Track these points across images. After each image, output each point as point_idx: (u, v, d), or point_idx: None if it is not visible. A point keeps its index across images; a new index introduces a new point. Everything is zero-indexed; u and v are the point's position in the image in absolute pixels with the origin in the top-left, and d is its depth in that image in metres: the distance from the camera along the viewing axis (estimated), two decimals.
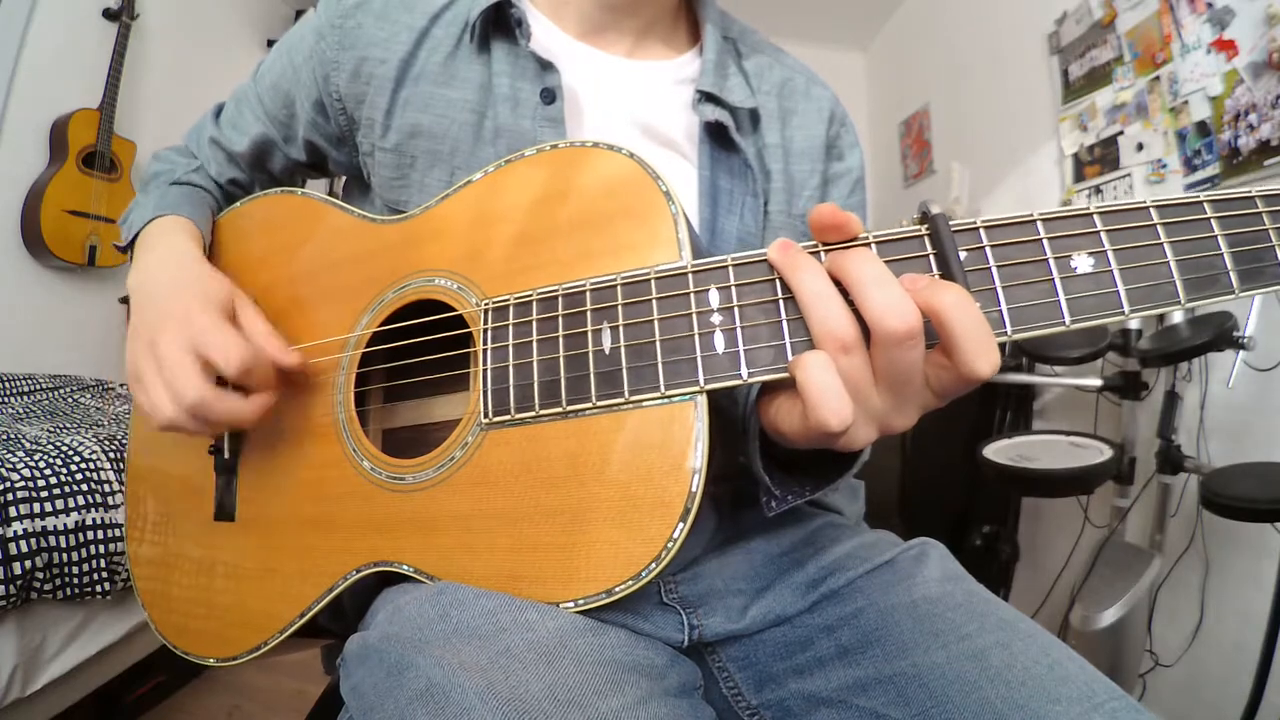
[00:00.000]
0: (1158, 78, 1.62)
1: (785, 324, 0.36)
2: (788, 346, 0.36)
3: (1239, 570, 1.37)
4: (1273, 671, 1.14)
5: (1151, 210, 0.33)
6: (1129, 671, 1.37)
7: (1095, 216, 0.34)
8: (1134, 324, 1.50)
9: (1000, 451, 1.50)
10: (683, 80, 0.60)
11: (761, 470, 0.43)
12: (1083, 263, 0.33)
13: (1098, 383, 1.58)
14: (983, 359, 0.32)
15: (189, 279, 0.52)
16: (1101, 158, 1.80)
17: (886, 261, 0.35)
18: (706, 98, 0.56)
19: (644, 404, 0.39)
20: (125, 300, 0.59)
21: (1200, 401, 1.44)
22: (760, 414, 0.41)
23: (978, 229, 0.35)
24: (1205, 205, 0.33)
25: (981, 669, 0.40)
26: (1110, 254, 0.33)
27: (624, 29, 0.59)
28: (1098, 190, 1.82)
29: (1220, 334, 1.20)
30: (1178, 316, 1.39)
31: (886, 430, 0.36)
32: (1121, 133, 1.73)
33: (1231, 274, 0.32)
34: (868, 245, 0.36)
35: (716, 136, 0.57)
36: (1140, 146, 1.68)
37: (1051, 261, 0.33)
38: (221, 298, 0.51)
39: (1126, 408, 1.56)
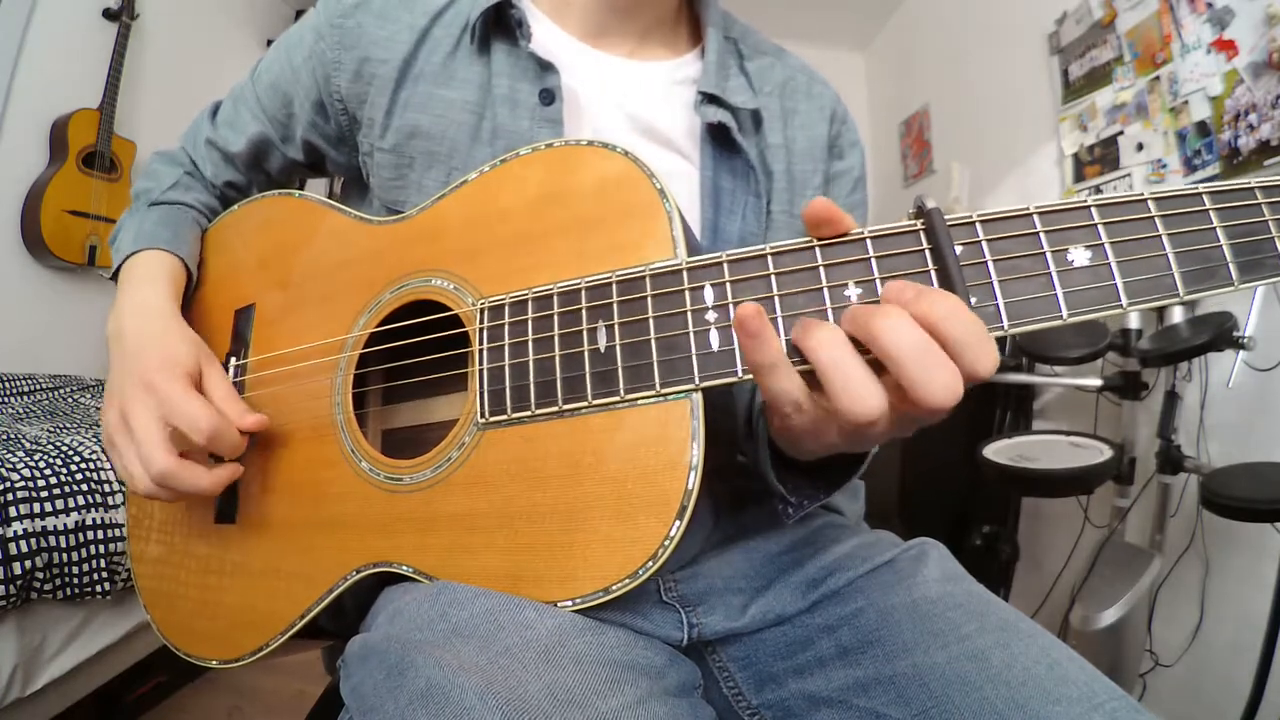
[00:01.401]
0: (1158, 78, 1.62)
1: (780, 320, 0.36)
2: (783, 343, 0.36)
3: (1239, 570, 1.37)
4: (1273, 671, 1.14)
5: (1150, 202, 0.33)
6: (1129, 671, 1.37)
7: (1093, 209, 0.33)
8: (1134, 323, 1.50)
9: (1000, 451, 1.50)
10: (684, 81, 0.60)
11: (775, 480, 0.43)
12: (1080, 256, 0.33)
13: (1098, 383, 1.58)
14: (983, 361, 0.31)
15: (158, 342, 0.52)
16: (1101, 158, 1.80)
17: (881, 258, 0.35)
18: (708, 99, 0.56)
19: (639, 402, 0.39)
20: None
21: (1200, 401, 1.44)
22: (768, 422, 0.41)
23: (973, 223, 0.34)
24: (1204, 197, 0.33)
25: (981, 669, 0.40)
26: (1108, 246, 0.33)
27: (626, 30, 0.59)
28: (1098, 190, 1.81)
29: (1220, 334, 1.20)
30: (1178, 315, 1.39)
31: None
32: (1121, 133, 1.73)
33: (1231, 265, 0.32)
34: (862, 240, 0.36)
35: (718, 137, 0.57)
36: (1140, 146, 1.67)
37: (1048, 255, 0.33)
38: (187, 363, 0.51)
39: (1126, 408, 1.55)
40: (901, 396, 0.32)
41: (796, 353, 0.34)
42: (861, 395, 0.32)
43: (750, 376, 0.37)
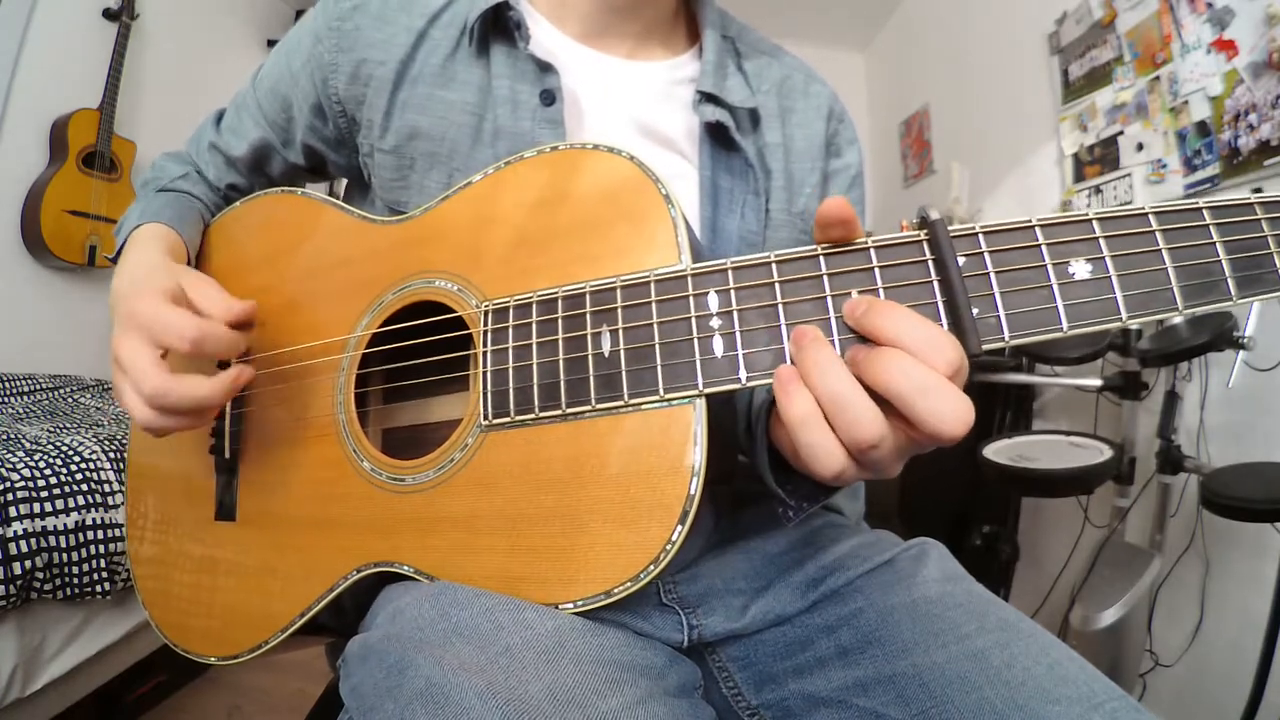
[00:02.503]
0: (1158, 78, 1.62)
1: (784, 328, 0.36)
2: (786, 350, 0.36)
3: (1239, 570, 1.37)
4: (1273, 671, 1.14)
5: (1150, 217, 0.33)
6: (1129, 671, 1.37)
7: (1094, 223, 0.34)
8: (1134, 324, 1.50)
9: (1000, 451, 1.50)
10: (682, 81, 0.60)
11: (775, 484, 0.43)
12: (1081, 269, 0.33)
13: (1098, 383, 1.58)
14: (946, 426, 0.32)
15: (140, 281, 0.51)
16: (1101, 158, 1.80)
17: (884, 267, 0.35)
18: (707, 98, 0.56)
19: (643, 407, 0.39)
20: None
21: (1200, 401, 1.44)
22: (770, 430, 0.41)
23: (976, 235, 0.35)
24: (1204, 212, 0.33)
25: (981, 669, 0.40)
26: (1109, 260, 0.33)
27: (624, 31, 0.59)
28: (1098, 190, 1.82)
29: (1220, 334, 1.20)
30: (1178, 317, 1.39)
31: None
32: (1121, 133, 1.73)
33: (1230, 281, 0.32)
34: (866, 250, 0.36)
35: (717, 136, 0.57)
36: (1140, 146, 1.68)
37: (1050, 268, 0.34)
38: (166, 284, 0.49)
39: (1126, 408, 1.56)
40: (910, 427, 0.33)
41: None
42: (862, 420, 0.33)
43: (754, 384, 0.37)
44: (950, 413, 0.31)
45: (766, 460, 0.43)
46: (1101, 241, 0.33)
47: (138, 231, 0.59)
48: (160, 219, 0.59)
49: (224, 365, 0.57)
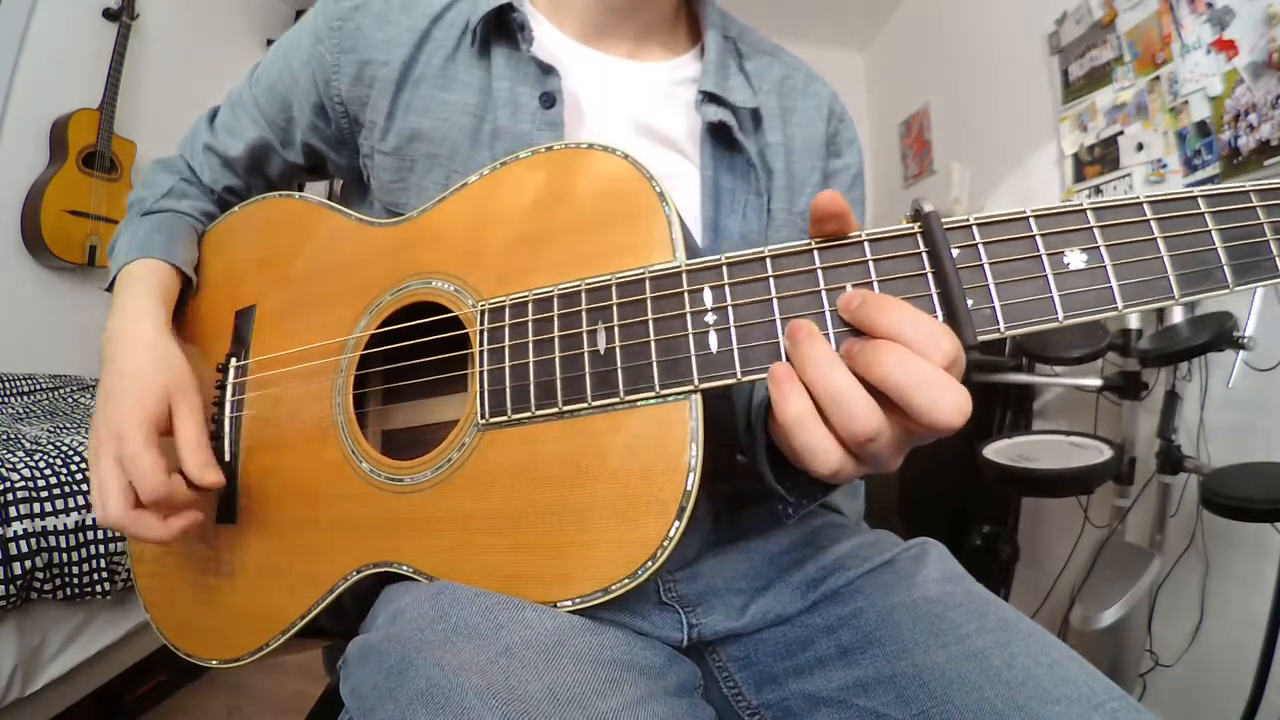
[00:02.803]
0: (1158, 78, 1.62)
1: (779, 323, 0.36)
2: (782, 345, 0.36)
3: (1239, 570, 1.37)
4: (1273, 671, 1.14)
5: (1145, 206, 0.33)
6: (1129, 671, 1.37)
7: (1088, 213, 0.33)
8: (1134, 323, 1.50)
9: (1000, 451, 1.50)
10: (683, 81, 0.60)
11: (774, 481, 0.43)
12: (1076, 259, 0.33)
13: (1098, 383, 1.58)
14: (943, 416, 0.32)
15: (135, 382, 0.52)
16: (1101, 158, 1.80)
17: (878, 260, 0.35)
18: (709, 98, 0.56)
19: (639, 404, 0.39)
20: None
21: (1200, 401, 1.44)
22: (769, 427, 0.41)
23: (970, 226, 0.35)
24: (1199, 200, 0.33)
25: (981, 669, 0.40)
26: (1103, 250, 0.33)
27: (625, 31, 0.59)
28: (1098, 190, 1.81)
29: (1220, 334, 1.20)
30: (1177, 316, 1.39)
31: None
32: (1121, 133, 1.73)
33: (1226, 268, 0.32)
34: (860, 243, 0.36)
35: (719, 136, 0.57)
36: (1140, 146, 1.67)
37: (1044, 258, 0.33)
38: (154, 411, 0.50)
39: (1126, 408, 1.55)
40: (908, 419, 0.32)
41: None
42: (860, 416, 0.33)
43: (749, 379, 0.37)
44: (948, 404, 0.31)
45: (765, 457, 0.43)
46: (1096, 231, 0.33)
47: (131, 270, 0.58)
48: (151, 251, 0.59)
49: (223, 366, 0.58)
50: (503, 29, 0.56)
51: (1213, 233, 0.32)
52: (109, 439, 0.50)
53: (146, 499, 0.48)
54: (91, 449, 0.51)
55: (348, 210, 0.57)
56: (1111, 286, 0.33)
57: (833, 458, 0.34)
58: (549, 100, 0.54)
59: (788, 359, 0.35)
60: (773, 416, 0.39)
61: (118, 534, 1.12)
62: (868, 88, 3.27)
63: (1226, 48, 1.43)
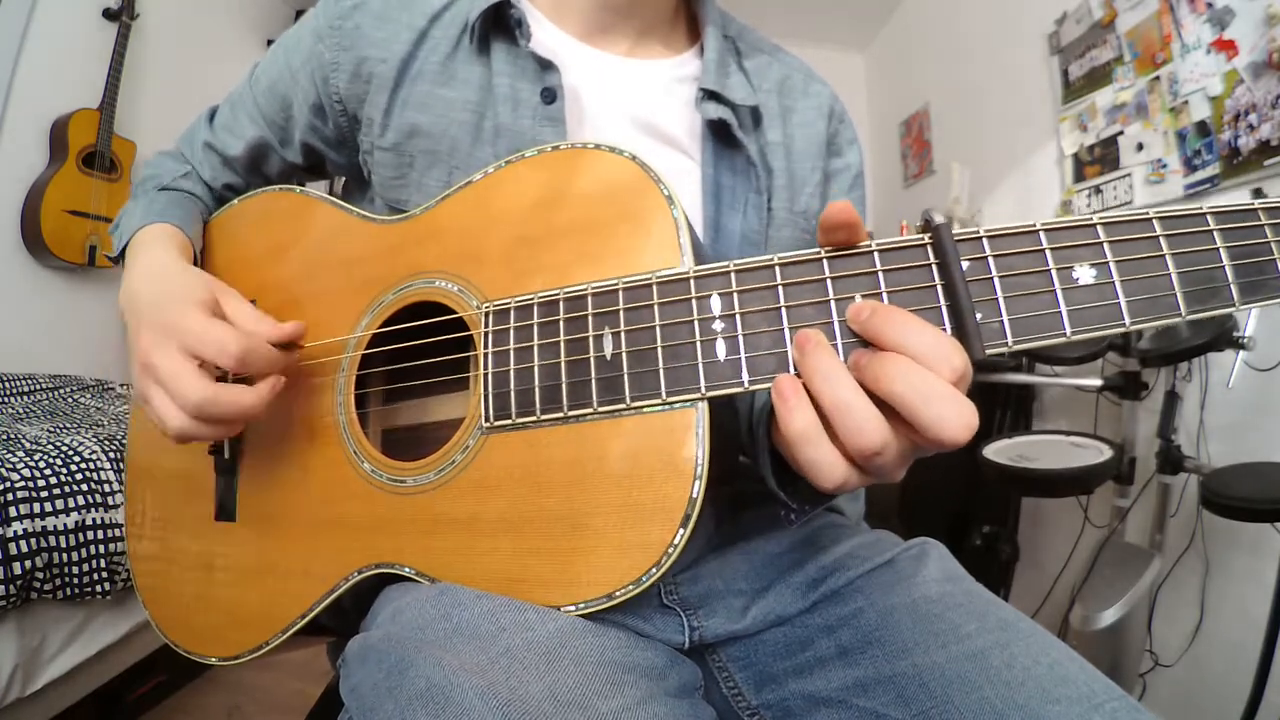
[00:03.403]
0: (1158, 78, 1.62)
1: (787, 331, 0.36)
2: (789, 354, 0.36)
3: (1239, 570, 1.37)
4: (1273, 671, 1.14)
5: (1155, 222, 0.33)
6: (1129, 671, 1.37)
7: (1099, 227, 0.33)
8: (1136, 330, 1.50)
9: (1000, 451, 1.50)
10: (683, 79, 0.60)
11: (777, 487, 0.43)
12: (1085, 274, 0.33)
13: (1098, 383, 1.58)
14: (948, 432, 0.32)
15: (169, 288, 0.51)
16: (1101, 158, 1.80)
17: (888, 271, 0.35)
18: (709, 96, 0.56)
19: (645, 409, 0.39)
20: None
21: (1200, 401, 1.44)
22: (771, 433, 0.41)
23: (980, 239, 0.35)
24: (1208, 217, 0.33)
25: (981, 669, 0.40)
26: (1113, 265, 0.33)
27: (625, 29, 0.59)
28: (1098, 190, 1.82)
29: (1220, 334, 1.20)
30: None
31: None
32: (1121, 133, 1.73)
33: (1233, 287, 0.32)
34: (870, 253, 0.36)
35: (719, 134, 0.57)
36: (1140, 146, 1.68)
37: (1054, 272, 0.33)
38: (203, 296, 0.49)
39: (1126, 408, 1.56)
40: (914, 433, 0.32)
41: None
42: (866, 428, 0.33)
43: (756, 388, 0.37)
44: (955, 418, 0.31)
45: (769, 463, 0.43)
46: (1105, 246, 0.33)
47: (147, 230, 0.58)
48: (168, 219, 0.59)
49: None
50: (501, 26, 0.56)
51: (1220, 250, 0.32)
52: (162, 336, 0.47)
53: (233, 359, 0.45)
54: (138, 372, 0.48)
55: (349, 206, 0.56)
56: (1119, 303, 0.33)
57: (838, 471, 0.34)
58: (550, 96, 0.54)
59: (795, 369, 0.35)
60: (776, 427, 0.39)
61: (118, 534, 1.12)
62: (868, 88, 3.27)
63: (1226, 48, 1.43)
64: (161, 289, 0.51)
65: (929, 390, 0.31)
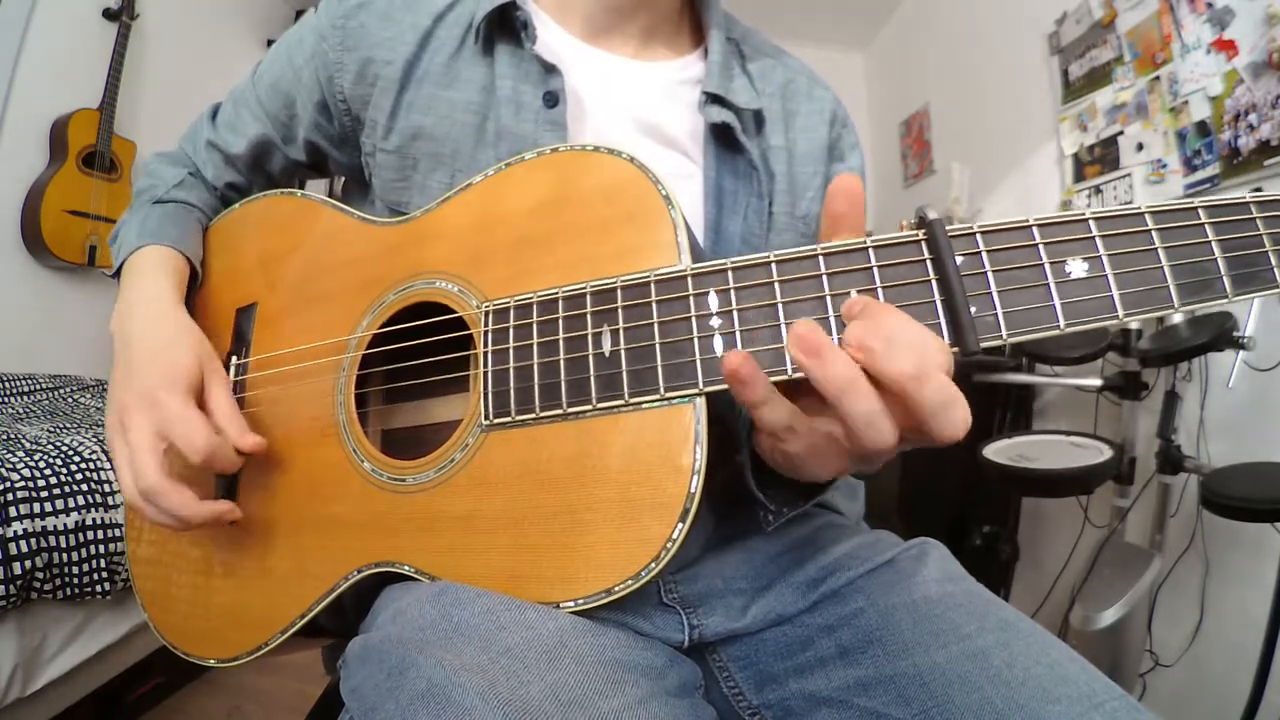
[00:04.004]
0: (1158, 78, 1.62)
1: (784, 327, 0.37)
2: (786, 352, 0.36)
3: (1239, 570, 1.37)
4: (1273, 671, 1.14)
5: (1146, 216, 0.33)
6: (1129, 671, 1.38)
7: (1090, 222, 0.34)
8: (1134, 324, 1.50)
9: (1000, 451, 1.50)
10: (686, 81, 0.60)
11: (755, 488, 0.44)
12: (1077, 267, 0.34)
13: (1098, 383, 1.58)
14: (946, 429, 0.33)
15: (162, 347, 0.52)
16: (1101, 158, 1.80)
17: (883, 266, 0.36)
18: (712, 99, 0.56)
19: (643, 406, 0.39)
20: None
21: (1200, 401, 1.44)
22: (755, 442, 0.41)
23: (974, 234, 0.35)
24: (1200, 210, 0.33)
25: (982, 669, 0.40)
26: (1105, 259, 0.33)
27: (629, 31, 0.59)
28: (1098, 190, 1.82)
29: (1220, 334, 1.20)
30: (1177, 317, 1.39)
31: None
32: (1121, 133, 1.73)
33: (1225, 279, 0.32)
34: (864, 249, 0.36)
35: (722, 138, 0.57)
36: (1140, 146, 1.68)
37: (1046, 266, 0.34)
38: (190, 375, 0.51)
39: (1126, 408, 1.56)
40: (916, 428, 0.33)
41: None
42: (881, 430, 0.33)
43: None
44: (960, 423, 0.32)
45: (749, 463, 0.44)
46: (1098, 240, 0.34)
47: (144, 254, 0.58)
48: (164, 239, 0.59)
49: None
50: (506, 27, 0.55)
51: (1213, 243, 0.33)
52: (140, 405, 0.49)
53: (200, 456, 0.47)
54: (113, 420, 0.50)
55: (350, 208, 0.57)
56: (1112, 295, 0.33)
57: (888, 432, 0.33)
58: (552, 99, 0.54)
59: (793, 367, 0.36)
60: (755, 426, 0.39)
61: (118, 534, 1.12)
62: (868, 88, 3.27)
63: (1226, 48, 1.43)
64: (155, 347, 0.52)
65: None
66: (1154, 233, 0.33)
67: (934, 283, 0.35)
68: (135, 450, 0.48)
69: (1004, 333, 0.34)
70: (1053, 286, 0.34)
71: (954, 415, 0.32)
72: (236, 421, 0.51)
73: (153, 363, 0.51)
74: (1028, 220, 0.34)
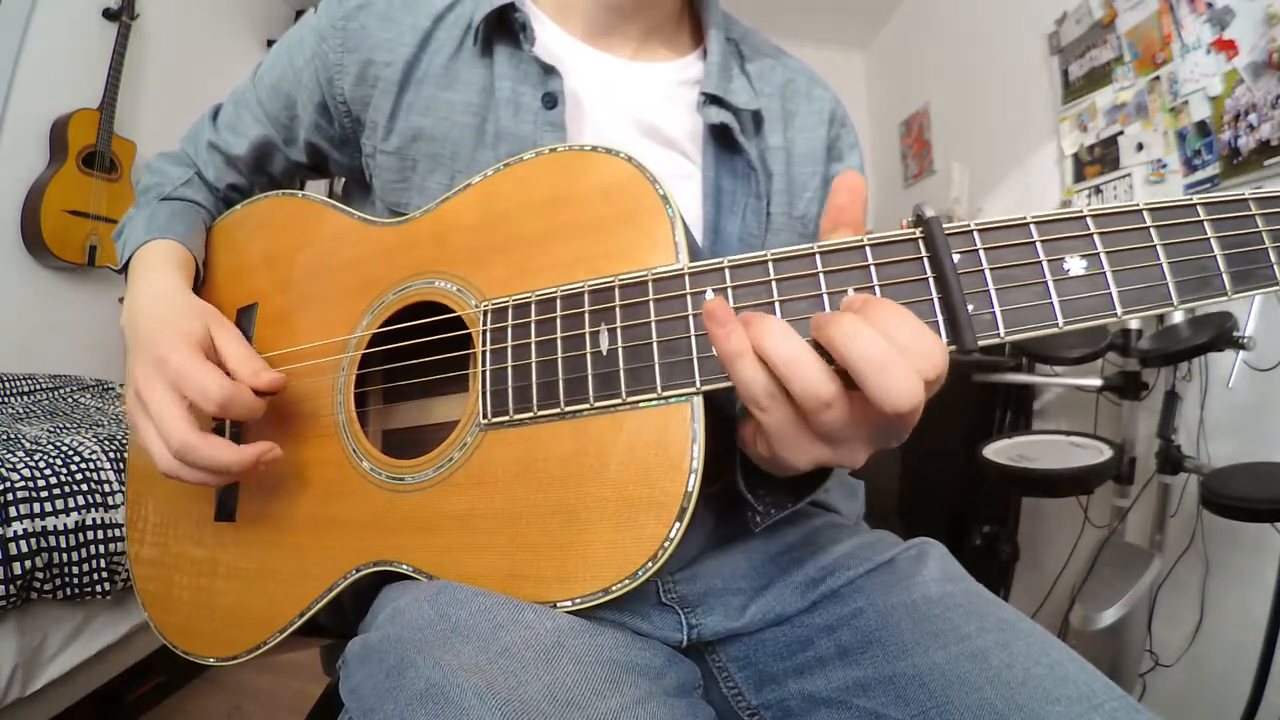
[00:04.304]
0: (1158, 78, 1.62)
1: None
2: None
3: (1239, 570, 1.37)
4: (1273, 671, 1.14)
5: (1145, 213, 0.33)
6: (1129, 671, 1.37)
7: (1088, 219, 0.34)
8: (1134, 324, 1.50)
9: (1000, 451, 1.50)
10: (686, 82, 0.60)
11: (743, 488, 0.44)
12: (1076, 265, 0.33)
13: (1098, 383, 1.58)
14: (890, 397, 0.31)
15: (167, 318, 0.52)
16: (1101, 158, 1.80)
17: (880, 265, 0.36)
18: (711, 100, 0.56)
19: (641, 405, 0.39)
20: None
21: (1200, 401, 1.44)
22: (740, 437, 0.41)
23: (971, 232, 0.35)
24: (1199, 208, 0.33)
25: (981, 669, 0.40)
26: (1103, 256, 0.33)
27: (628, 32, 0.59)
28: (1098, 190, 1.82)
29: (1220, 334, 1.20)
30: (1177, 316, 1.39)
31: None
32: (1121, 133, 1.73)
33: (1224, 276, 0.32)
34: (861, 248, 0.36)
35: (720, 138, 0.57)
36: (1140, 146, 1.68)
37: (1045, 264, 0.34)
38: (197, 332, 0.50)
39: (1126, 408, 1.56)
40: (864, 400, 0.32)
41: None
42: (816, 378, 0.32)
43: None
44: (903, 388, 0.30)
45: (738, 462, 0.44)
46: (1096, 238, 0.33)
47: (151, 247, 0.59)
48: (171, 234, 0.59)
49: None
50: (505, 28, 0.56)
51: (1211, 240, 0.33)
52: (154, 370, 0.48)
53: (214, 404, 0.46)
54: (131, 400, 0.49)
55: (350, 209, 0.57)
56: (1111, 293, 0.33)
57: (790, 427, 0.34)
58: (551, 101, 0.54)
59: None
60: (746, 425, 0.39)
61: (118, 534, 1.12)
62: (868, 88, 3.27)
63: (1226, 48, 1.43)
64: (160, 317, 0.52)
65: (884, 359, 0.31)
66: (1152, 230, 0.33)
67: (931, 281, 0.35)
68: (158, 416, 0.46)
69: (1002, 331, 0.34)
70: (1051, 284, 0.33)
71: (890, 379, 0.30)
72: (250, 363, 0.50)
73: (159, 332, 0.50)
74: (1025, 218, 0.34)
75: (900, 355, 0.31)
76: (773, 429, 0.36)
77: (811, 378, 0.32)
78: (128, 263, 0.60)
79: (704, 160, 0.57)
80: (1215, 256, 0.32)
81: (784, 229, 0.59)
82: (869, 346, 0.31)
